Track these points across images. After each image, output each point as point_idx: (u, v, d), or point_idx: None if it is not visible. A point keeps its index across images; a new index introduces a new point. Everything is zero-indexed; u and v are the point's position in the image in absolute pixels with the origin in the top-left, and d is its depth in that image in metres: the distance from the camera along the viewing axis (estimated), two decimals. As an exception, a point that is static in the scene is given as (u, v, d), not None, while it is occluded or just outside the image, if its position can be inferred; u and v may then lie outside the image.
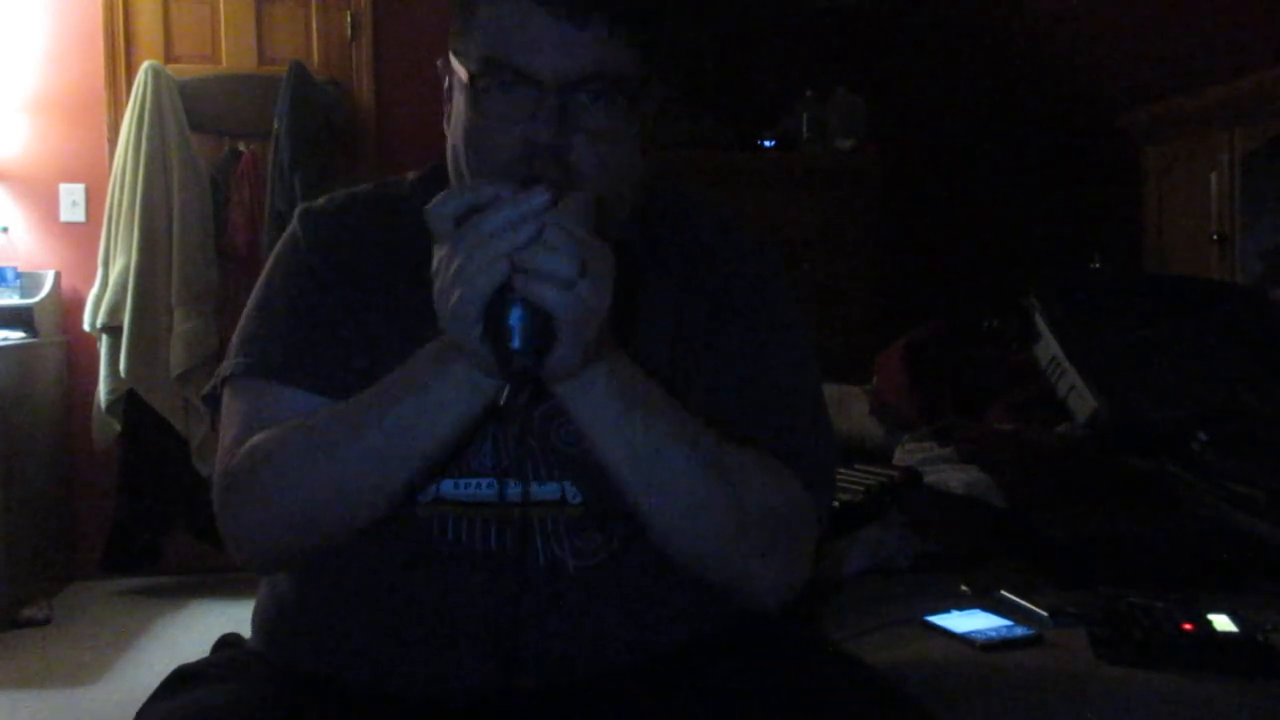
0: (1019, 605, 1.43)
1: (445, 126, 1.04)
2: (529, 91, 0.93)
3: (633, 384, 0.93)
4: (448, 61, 1.02)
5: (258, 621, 1.10)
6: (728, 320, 1.06)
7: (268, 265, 1.10)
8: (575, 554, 1.00)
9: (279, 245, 1.10)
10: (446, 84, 1.03)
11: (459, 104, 1.00)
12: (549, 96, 0.93)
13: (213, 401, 1.08)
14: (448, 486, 1.00)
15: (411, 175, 1.14)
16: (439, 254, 0.87)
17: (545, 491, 1.00)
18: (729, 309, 1.07)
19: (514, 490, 0.97)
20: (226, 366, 1.05)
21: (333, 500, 0.96)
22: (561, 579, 0.99)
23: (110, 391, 3.69)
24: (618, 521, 1.00)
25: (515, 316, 0.84)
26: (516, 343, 0.84)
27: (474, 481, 1.00)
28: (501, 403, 0.86)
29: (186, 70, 3.89)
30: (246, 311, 1.08)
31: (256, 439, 0.98)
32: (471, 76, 0.96)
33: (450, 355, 0.90)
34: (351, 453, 0.93)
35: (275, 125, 3.78)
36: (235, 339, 1.07)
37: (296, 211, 1.11)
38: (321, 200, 1.12)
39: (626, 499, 0.95)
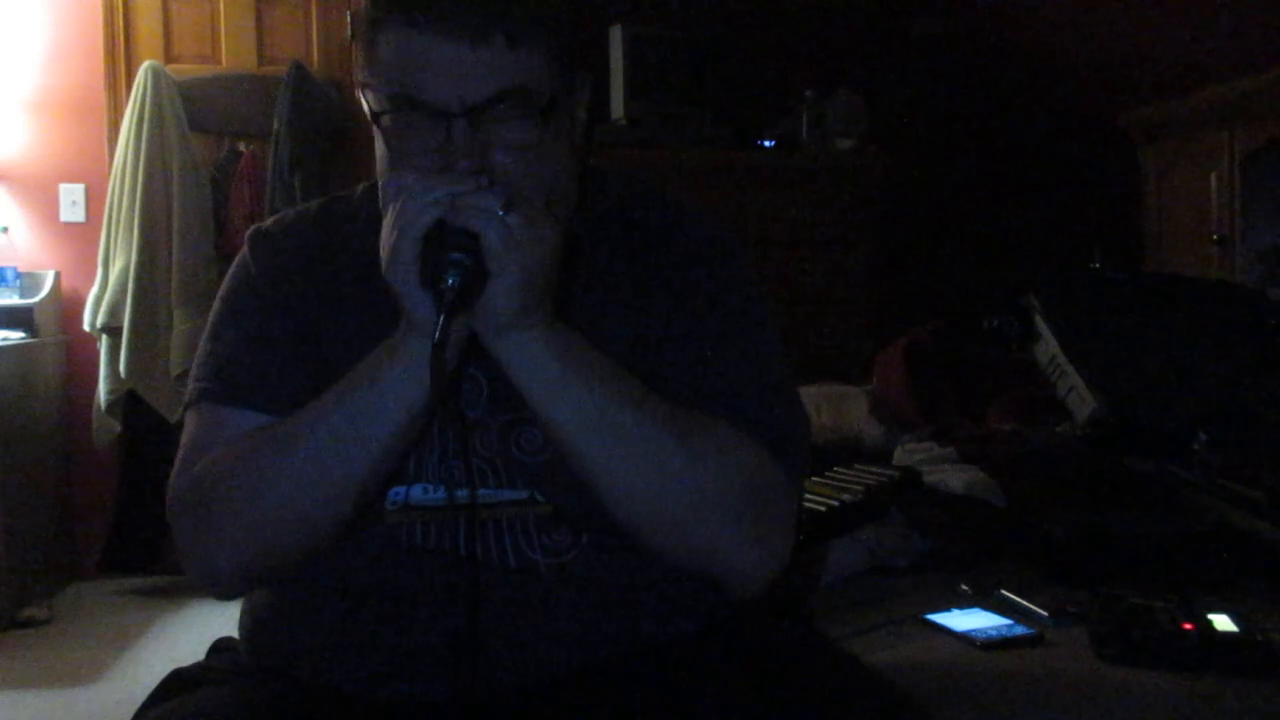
0: (1019, 605, 1.43)
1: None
2: (438, 121, 0.92)
3: (574, 348, 0.93)
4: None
5: (241, 632, 1.10)
6: (686, 305, 1.04)
7: (221, 289, 1.10)
8: (546, 553, 0.99)
9: (231, 269, 1.10)
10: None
11: (377, 140, 0.98)
12: (459, 122, 0.91)
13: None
14: (416, 492, 1.00)
15: (360, 187, 1.13)
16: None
17: (513, 494, 1.00)
18: (686, 294, 1.05)
19: (465, 494, 0.96)
20: (187, 393, 1.06)
21: (291, 501, 0.95)
22: (534, 578, 0.98)
23: (110, 391, 3.69)
24: (588, 519, 0.99)
25: (449, 249, 0.86)
26: (450, 276, 0.86)
27: (438, 487, 1.00)
28: (434, 338, 0.85)
29: (186, 70, 3.89)
30: (203, 337, 1.08)
31: (211, 455, 1.00)
32: (375, 115, 0.95)
33: (397, 342, 0.92)
34: (309, 445, 0.94)
35: (275, 125, 3.78)
36: (193, 365, 1.07)
37: (247, 235, 1.11)
38: (269, 222, 1.13)
39: (576, 468, 0.94)
